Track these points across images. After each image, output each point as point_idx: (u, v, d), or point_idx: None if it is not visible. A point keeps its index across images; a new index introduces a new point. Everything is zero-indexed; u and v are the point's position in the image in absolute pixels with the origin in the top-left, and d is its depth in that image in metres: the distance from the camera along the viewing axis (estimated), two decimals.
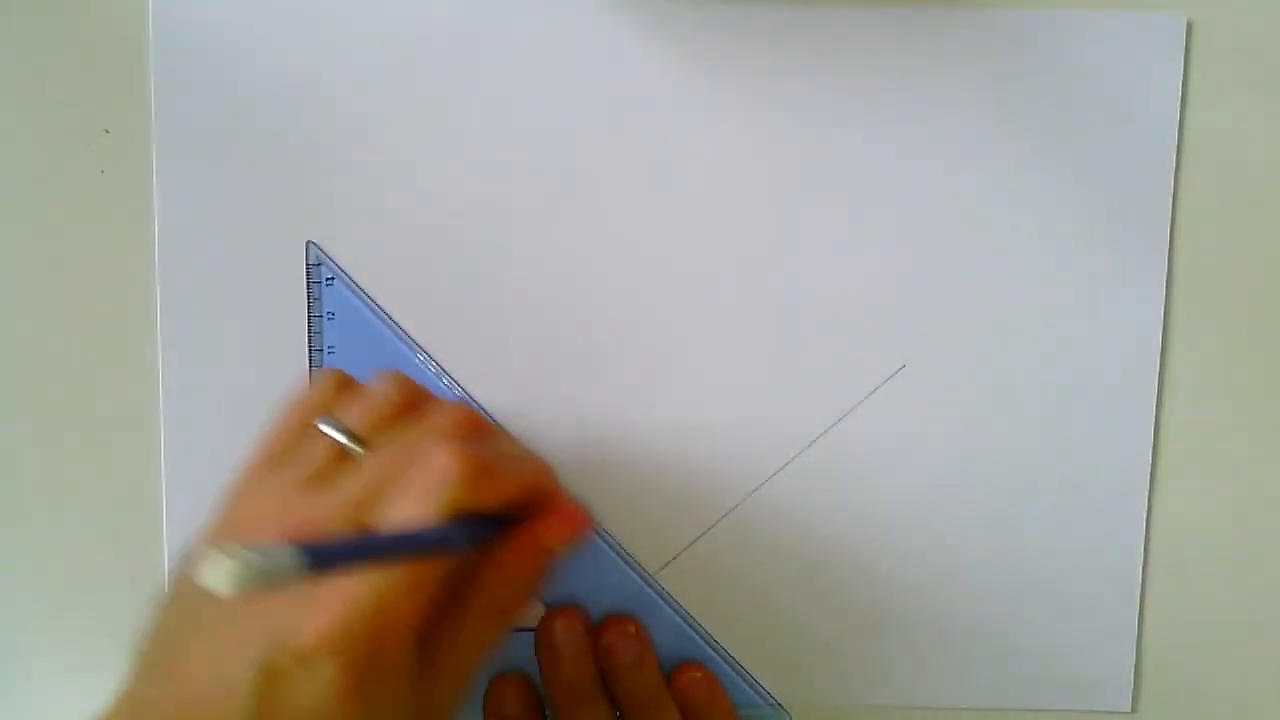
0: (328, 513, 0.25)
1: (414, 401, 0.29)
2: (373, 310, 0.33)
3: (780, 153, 0.33)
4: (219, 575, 0.18)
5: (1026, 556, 0.34)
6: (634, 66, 0.33)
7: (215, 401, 0.34)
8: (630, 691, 0.32)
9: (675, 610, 0.34)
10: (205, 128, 0.33)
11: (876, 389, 0.34)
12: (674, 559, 0.34)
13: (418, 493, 0.25)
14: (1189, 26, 0.33)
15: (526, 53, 0.33)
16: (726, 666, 0.34)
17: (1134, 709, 0.35)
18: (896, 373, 0.34)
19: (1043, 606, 0.34)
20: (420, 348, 0.34)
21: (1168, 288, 0.34)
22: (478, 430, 0.28)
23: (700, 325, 0.34)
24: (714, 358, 0.34)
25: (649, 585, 0.34)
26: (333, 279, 0.33)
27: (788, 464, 0.34)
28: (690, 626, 0.34)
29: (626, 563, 0.34)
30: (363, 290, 0.33)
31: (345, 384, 0.29)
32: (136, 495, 0.34)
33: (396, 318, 0.33)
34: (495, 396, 0.34)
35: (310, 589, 0.22)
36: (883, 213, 0.33)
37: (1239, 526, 0.34)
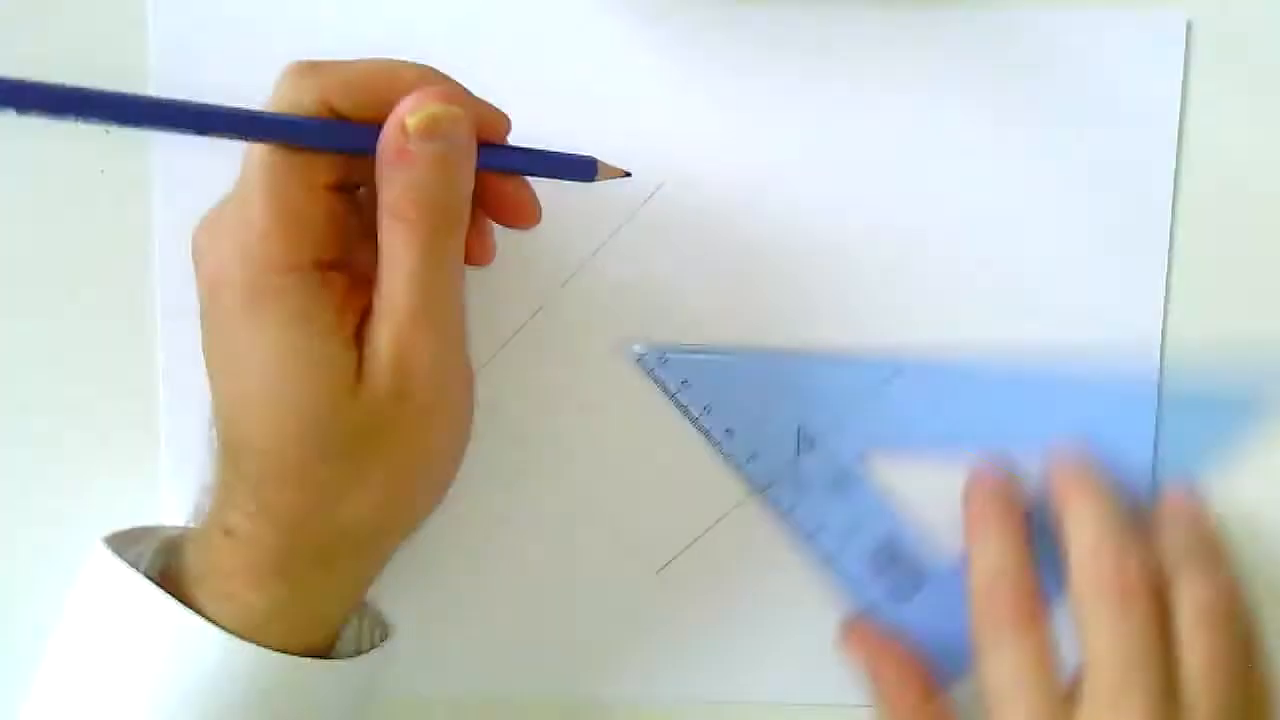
0: None
1: None
2: None
3: (778, 153, 0.33)
4: None
5: None
6: (634, 66, 0.33)
7: None
8: None
9: None
10: None
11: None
12: (673, 559, 0.34)
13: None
14: (1189, 26, 0.33)
15: (526, 53, 0.33)
16: None
17: None
18: (893, 376, 0.34)
19: None
20: None
21: (1167, 287, 0.34)
22: None
23: (703, 323, 0.34)
24: None
25: None
26: None
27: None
28: None
29: None
30: None
31: None
32: (137, 495, 0.34)
33: None
34: (519, 402, 0.34)
35: (218, 228, 0.27)
36: (880, 212, 0.33)
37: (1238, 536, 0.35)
